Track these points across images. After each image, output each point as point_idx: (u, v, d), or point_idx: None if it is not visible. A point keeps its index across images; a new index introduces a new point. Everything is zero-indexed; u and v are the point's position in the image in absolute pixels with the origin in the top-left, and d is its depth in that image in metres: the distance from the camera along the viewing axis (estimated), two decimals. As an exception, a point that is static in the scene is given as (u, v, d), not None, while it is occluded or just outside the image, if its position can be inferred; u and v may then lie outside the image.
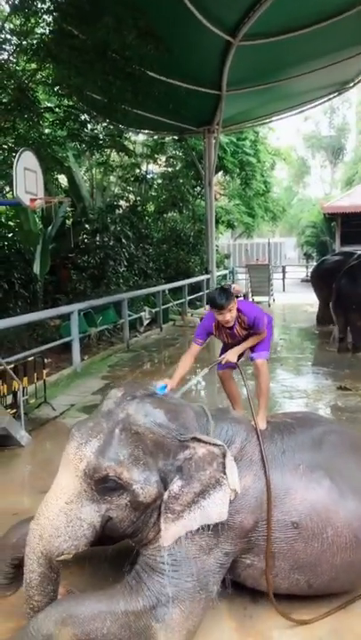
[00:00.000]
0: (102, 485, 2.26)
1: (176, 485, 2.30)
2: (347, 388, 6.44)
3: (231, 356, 3.38)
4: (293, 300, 16.33)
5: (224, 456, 2.34)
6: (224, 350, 3.63)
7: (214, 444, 2.37)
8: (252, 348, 3.47)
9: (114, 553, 2.73)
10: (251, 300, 15.63)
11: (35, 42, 8.09)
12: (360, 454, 2.81)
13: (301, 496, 2.48)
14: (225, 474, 2.30)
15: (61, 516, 2.24)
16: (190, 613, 2.29)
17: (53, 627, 2.20)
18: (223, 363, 3.41)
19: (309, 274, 15.97)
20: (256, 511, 2.45)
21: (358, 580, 2.64)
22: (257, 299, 15.81)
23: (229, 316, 3.20)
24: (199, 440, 2.37)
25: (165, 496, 2.30)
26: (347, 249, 15.06)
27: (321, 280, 10.57)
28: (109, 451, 2.27)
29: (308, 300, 12.61)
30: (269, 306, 15.50)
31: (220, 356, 3.56)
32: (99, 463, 2.24)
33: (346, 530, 2.46)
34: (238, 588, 2.57)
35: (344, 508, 2.48)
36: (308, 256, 27.13)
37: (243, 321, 3.33)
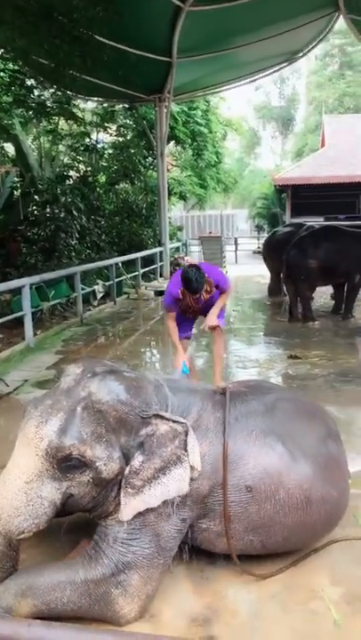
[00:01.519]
0: (65, 464, 2.25)
1: (137, 461, 2.32)
2: (297, 357, 6.63)
3: (211, 319, 3.45)
4: (246, 271, 16.52)
5: (186, 434, 2.38)
6: (181, 317, 3.69)
7: (177, 422, 2.40)
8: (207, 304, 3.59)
9: (70, 524, 2.75)
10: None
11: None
12: (311, 420, 2.92)
13: (255, 460, 2.56)
14: (186, 451, 2.35)
15: (21, 495, 2.23)
16: (149, 579, 2.36)
17: (13, 599, 2.22)
18: (207, 329, 3.47)
19: (261, 245, 16.15)
20: (212, 477, 2.51)
21: (310, 539, 2.76)
22: (210, 271, 15.92)
23: (202, 291, 3.30)
24: (162, 417, 2.40)
25: (126, 471, 2.32)
26: (297, 220, 15.29)
27: (272, 252, 10.72)
28: (72, 429, 2.25)
29: (260, 272, 12.79)
30: (222, 278, 15.64)
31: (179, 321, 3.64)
32: (61, 442, 2.22)
33: (297, 491, 2.56)
34: (195, 552, 2.64)
35: (295, 471, 2.58)
36: (259, 228, 27.39)
37: (209, 284, 3.38)
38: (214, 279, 3.43)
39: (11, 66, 9.41)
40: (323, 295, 10.59)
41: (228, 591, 2.55)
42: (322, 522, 2.70)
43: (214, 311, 3.51)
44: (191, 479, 2.39)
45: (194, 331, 3.63)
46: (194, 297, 3.44)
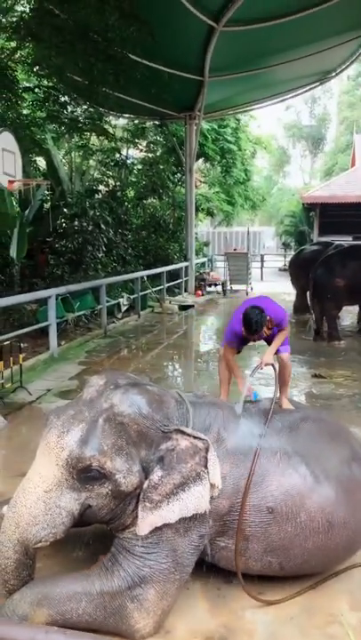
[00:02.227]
0: (84, 475, 2.25)
1: (156, 475, 2.31)
2: (322, 376, 6.55)
3: (268, 357, 3.48)
4: (271, 288, 16.43)
5: (207, 450, 2.35)
6: (241, 341, 3.73)
7: (198, 438, 2.38)
8: (268, 339, 3.64)
9: (89, 535, 2.75)
10: (229, 288, 15.72)
11: (15, 19, 7.90)
12: (335, 441, 2.87)
13: (278, 482, 2.53)
14: (206, 468, 2.32)
15: (40, 504, 2.23)
16: (165, 594, 2.33)
17: (29, 607, 2.22)
18: (263, 368, 3.49)
19: (287, 263, 16.08)
20: (232, 497, 2.49)
21: (330, 563, 2.71)
22: (235, 287, 15.91)
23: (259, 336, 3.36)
24: (183, 432, 2.38)
25: (145, 485, 2.31)
26: (325, 239, 15.19)
27: (298, 269, 10.68)
28: (93, 440, 2.26)
29: (286, 289, 12.72)
30: (247, 294, 15.59)
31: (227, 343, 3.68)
32: (82, 453, 2.23)
33: (319, 514, 2.52)
34: (212, 570, 2.61)
35: (318, 494, 2.54)
36: (286, 245, 27.29)
37: (270, 323, 3.41)
38: (275, 318, 3.47)
39: (46, 82, 9.66)
40: (349, 314, 10.47)
41: (245, 611, 2.50)
42: (343, 546, 2.64)
43: (272, 350, 3.56)
44: (211, 497, 2.36)
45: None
46: (253, 337, 3.50)
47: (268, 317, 3.40)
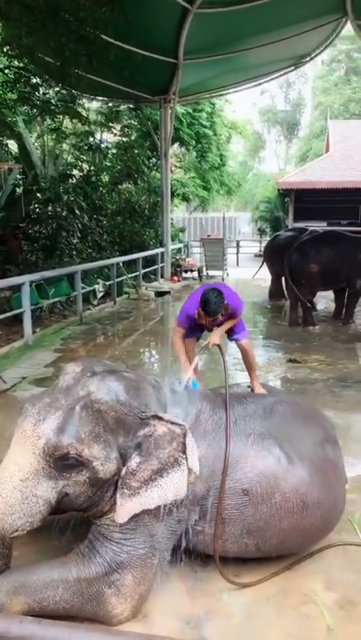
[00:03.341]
0: (61, 463, 2.23)
1: (134, 461, 2.30)
2: (297, 361, 6.62)
3: (216, 338, 3.50)
4: (247, 274, 16.49)
5: (185, 436, 2.35)
6: (192, 329, 3.75)
7: (176, 424, 2.37)
8: (230, 330, 3.66)
9: (65, 523, 2.74)
10: (205, 274, 15.72)
11: (-18, -3, 7.64)
12: (309, 423, 2.92)
13: (252, 464, 2.55)
14: (184, 454, 2.32)
15: (16, 493, 2.20)
16: (142, 579, 2.34)
17: (5, 596, 2.21)
18: (210, 346, 3.52)
19: (263, 249, 16.15)
20: (208, 480, 2.50)
21: (305, 543, 2.76)
22: (211, 273, 15.91)
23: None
24: (160, 418, 2.38)
25: (123, 472, 2.30)
26: (299, 225, 15.29)
27: (274, 255, 10.72)
28: (70, 428, 2.23)
29: (261, 275, 12.77)
30: (223, 280, 15.63)
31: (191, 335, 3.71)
32: (59, 441, 2.21)
33: (293, 495, 2.55)
34: (189, 554, 2.63)
35: (292, 475, 2.57)
36: (261, 231, 27.37)
37: (226, 309, 3.43)
38: (232, 306, 3.48)
39: (16, 63, 9.39)
40: (324, 300, 10.59)
41: (223, 593, 2.54)
42: (317, 526, 2.69)
43: (219, 331, 3.58)
44: (189, 482, 2.37)
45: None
46: (209, 319, 3.49)
47: (225, 303, 3.41)
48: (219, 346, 3.53)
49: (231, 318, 3.61)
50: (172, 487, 2.29)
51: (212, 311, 3.33)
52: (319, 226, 13.98)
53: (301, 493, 2.57)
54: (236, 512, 2.52)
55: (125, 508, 2.27)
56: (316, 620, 2.37)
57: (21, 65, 9.39)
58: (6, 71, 9.30)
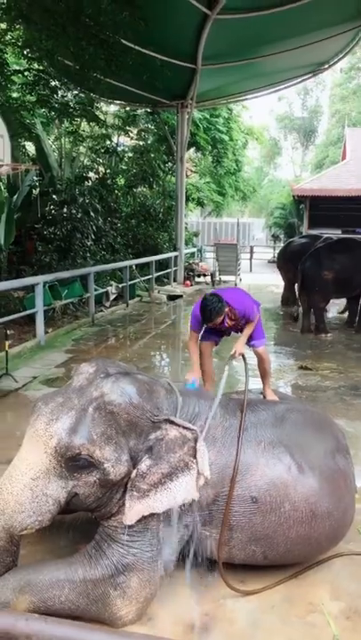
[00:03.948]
0: (72, 463, 2.23)
1: (144, 464, 2.30)
2: (308, 368, 6.59)
3: (239, 347, 3.44)
4: (260, 280, 16.50)
5: (196, 440, 2.35)
6: (207, 332, 3.73)
7: (187, 428, 2.37)
8: (249, 336, 3.61)
9: (73, 523, 2.75)
10: (218, 278, 15.73)
11: (5, 1, 7.75)
12: (320, 432, 2.90)
13: (262, 472, 2.54)
14: (195, 458, 2.32)
15: (26, 491, 2.21)
16: (148, 582, 2.34)
17: (11, 594, 2.22)
18: (237, 356, 3.46)
19: (276, 255, 16.12)
20: (217, 486, 2.49)
21: (313, 553, 2.73)
22: (224, 278, 15.92)
23: (218, 321, 3.32)
24: (172, 422, 2.38)
25: (133, 474, 2.30)
26: (314, 232, 15.25)
27: (287, 262, 10.70)
28: (82, 429, 2.23)
29: (274, 281, 12.76)
30: (236, 285, 15.62)
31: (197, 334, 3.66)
32: (71, 441, 2.21)
33: (303, 505, 2.54)
34: (196, 558, 2.62)
35: (302, 484, 2.55)
36: (275, 237, 27.35)
37: (233, 314, 3.38)
38: (239, 310, 3.42)
39: (36, 66, 9.51)
40: (337, 307, 10.54)
41: (228, 599, 2.52)
42: (326, 536, 2.67)
43: (242, 339, 3.53)
44: (198, 487, 2.35)
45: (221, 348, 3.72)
46: (210, 324, 3.48)
47: (229, 307, 3.36)
48: (243, 356, 3.48)
49: (247, 323, 3.58)
50: (182, 491, 2.29)
51: (206, 318, 3.30)
52: (334, 233, 13.91)
53: (311, 503, 2.55)
54: (244, 519, 2.50)
55: (134, 510, 2.27)
56: (321, 629, 2.35)
57: (41, 68, 9.51)
58: (26, 73, 9.40)
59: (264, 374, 3.55)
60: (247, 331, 3.56)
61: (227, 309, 3.38)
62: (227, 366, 3.28)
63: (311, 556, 2.75)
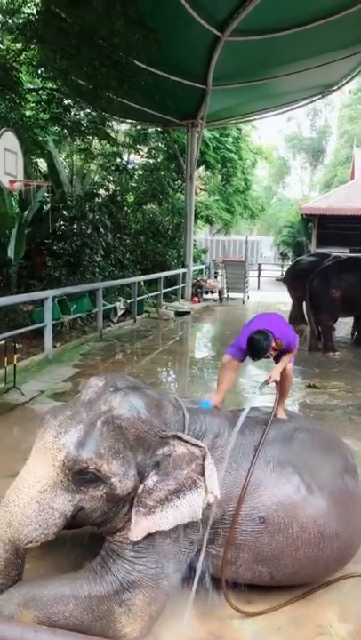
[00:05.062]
0: (80, 477, 2.22)
1: (151, 480, 2.29)
2: (316, 387, 6.55)
3: (276, 374, 3.37)
4: (267, 298, 16.49)
5: (204, 458, 2.33)
6: (243, 355, 3.60)
7: (195, 445, 2.36)
8: (280, 354, 3.52)
9: (76, 537, 2.73)
10: (226, 296, 15.74)
11: (21, 21, 7.94)
12: (328, 452, 2.87)
13: (270, 492, 2.52)
14: (202, 476, 2.30)
15: (33, 504, 2.20)
16: (153, 599, 2.31)
17: (16, 608, 2.19)
18: (269, 383, 3.38)
19: (284, 273, 16.14)
20: (223, 504, 2.47)
21: (321, 575, 2.69)
22: (232, 295, 15.94)
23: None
24: (180, 439, 2.36)
25: (139, 489, 2.29)
26: (322, 250, 15.26)
27: (295, 280, 10.70)
28: (90, 443, 2.23)
29: (282, 299, 12.75)
30: (243, 303, 15.62)
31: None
32: (79, 455, 2.20)
33: (311, 526, 2.51)
34: (201, 577, 2.59)
35: (311, 505, 2.53)
36: (283, 255, 27.40)
37: (278, 346, 3.31)
38: (285, 341, 3.36)
39: (50, 85, 9.70)
40: (345, 326, 10.51)
41: (234, 619, 2.48)
42: (334, 558, 2.63)
43: (279, 367, 3.45)
44: (208, 504, 2.33)
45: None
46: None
47: (276, 341, 3.29)
48: (277, 382, 3.43)
49: (288, 352, 3.51)
50: (188, 508, 2.27)
51: (255, 356, 3.23)
52: (342, 252, 13.92)
53: (319, 524, 2.52)
54: (250, 539, 2.48)
55: (140, 526, 2.26)
56: (329, 652, 2.31)
57: (55, 87, 9.69)
58: (40, 92, 9.58)
59: (283, 393, 3.49)
60: (285, 359, 3.48)
61: (273, 344, 3.31)
62: (258, 391, 3.20)
63: (319, 578, 2.71)
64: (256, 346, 3.13)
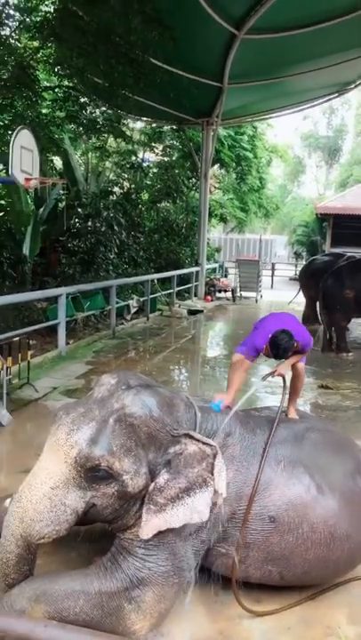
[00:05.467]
0: (92, 474, 2.24)
1: (162, 478, 2.30)
2: (328, 387, 6.52)
3: (283, 369, 3.35)
4: (281, 297, 16.39)
5: (215, 457, 2.34)
6: (255, 354, 3.58)
7: (207, 444, 2.37)
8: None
9: (87, 533, 2.75)
10: (239, 294, 15.70)
11: (38, 19, 7.98)
12: (340, 452, 2.86)
13: (281, 491, 2.52)
14: (213, 474, 2.31)
15: (45, 500, 2.23)
16: (162, 597, 2.32)
17: (27, 603, 2.22)
18: (274, 376, 3.37)
19: (298, 273, 16.04)
20: (234, 503, 2.48)
21: (331, 576, 2.69)
22: (245, 294, 15.90)
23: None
24: (192, 437, 2.37)
25: (150, 487, 2.30)
26: (337, 250, 15.15)
27: (309, 279, 10.64)
28: (103, 440, 2.25)
29: (296, 299, 12.67)
30: (257, 302, 15.58)
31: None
32: (91, 452, 2.22)
33: (322, 526, 2.50)
34: (211, 576, 2.60)
35: (321, 506, 2.53)
36: (297, 255, 27.23)
37: (296, 346, 3.30)
38: (301, 343, 3.36)
39: (66, 82, 9.74)
40: (359, 326, 10.44)
41: (243, 618, 2.49)
42: (344, 559, 2.62)
43: (288, 363, 3.43)
44: (214, 504, 2.34)
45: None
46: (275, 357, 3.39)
47: (294, 343, 3.27)
48: (284, 377, 3.42)
49: (300, 352, 3.50)
50: (199, 507, 2.27)
51: (279, 355, 3.21)
52: (357, 252, 13.79)
53: (330, 525, 2.52)
54: (261, 538, 2.48)
55: (150, 524, 2.27)
56: (337, 654, 2.31)
57: (71, 85, 9.73)
58: (56, 90, 9.62)
59: (295, 391, 3.48)
60: (295, 358, 3.47)
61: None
62: (260, 382, 3.22)
63: (329, 579, 2.71)
64: (281, 345, 3.12)
